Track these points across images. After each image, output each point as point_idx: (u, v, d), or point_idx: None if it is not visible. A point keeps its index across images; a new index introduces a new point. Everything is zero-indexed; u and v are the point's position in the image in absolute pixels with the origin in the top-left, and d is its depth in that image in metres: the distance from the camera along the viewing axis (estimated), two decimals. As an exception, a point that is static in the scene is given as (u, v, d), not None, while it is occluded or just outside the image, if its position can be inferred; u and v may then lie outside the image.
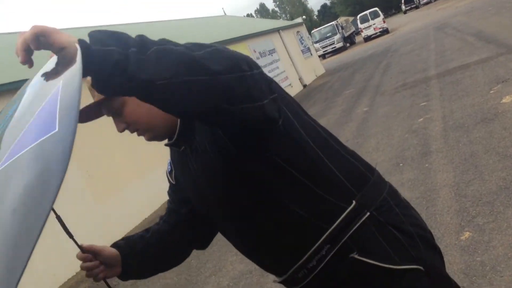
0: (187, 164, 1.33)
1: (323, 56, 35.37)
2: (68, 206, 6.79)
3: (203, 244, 1.57)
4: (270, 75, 15.46)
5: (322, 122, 9.43)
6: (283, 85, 16.21)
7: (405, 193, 4.30)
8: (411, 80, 10.06)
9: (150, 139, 1.30)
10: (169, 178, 1.51)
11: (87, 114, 1.25)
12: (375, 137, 6.79)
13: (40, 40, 0.94)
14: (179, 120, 1.27)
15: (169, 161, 1.51)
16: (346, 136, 7.47)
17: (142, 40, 0.98)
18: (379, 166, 5.37)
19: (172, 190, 1.53)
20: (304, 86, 18.48)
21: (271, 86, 1.12)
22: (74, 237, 1.27)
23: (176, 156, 1.42)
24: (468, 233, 3.29)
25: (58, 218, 1.23)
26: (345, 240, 1.19)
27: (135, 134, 1.29)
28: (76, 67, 0.88)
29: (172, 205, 1.55)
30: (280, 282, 1.34)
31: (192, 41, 1.06)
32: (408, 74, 10.96)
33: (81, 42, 0.93)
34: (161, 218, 1.57)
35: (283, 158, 1.18)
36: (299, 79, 18.55)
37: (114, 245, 1.45)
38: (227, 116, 1.04)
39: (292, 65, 18.47)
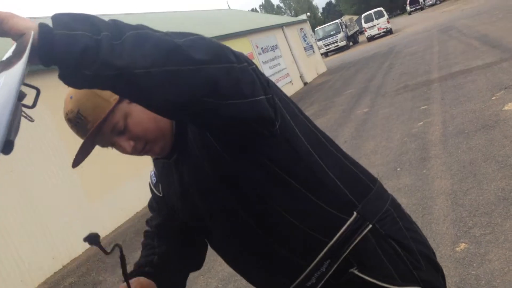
0: (177, 174, 1.23)
1: (325, 54, 35.25)
2: (63, 203, 6.69)
3: (198, 262, 1.47)
4: (271, 71, 15.56)
5: (321, 121, 9.36)
6: (283, 81, 16.10)
7: (401, 199, 4.19)
8: (413, 82, 9.93)
9: (160, 150, 1.19)
10: (155, 190, 1.41)
11: (82, 154, 1.14)
12: (373, 139, 6.67)
13: None
14: (174, 124, 1.18)
15: (152, 173, 1.42)
16: (345, 137, 7.36)
17: (116, 24, 0.86)
18: (376, 169, 5.30)
19: (158, 203, 1.43)
20: (305, 83, 18.35)
21: (266, 84, 1.02)
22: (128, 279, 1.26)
23: (162, 167, 1.32)
24: (463, 244, 3.18)
25: (121, 257, 1.23)
26: (346, 255, 1.12)
27: None
28: (21, 61, 0.75)
29: (161, 220, 1.44)
30: None
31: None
32: (411, 76, 10.83)
33: (41, 26, 0.81)
34: (148, 236, 1.46)
35: (279, 166, 1.09)
36: (300, 76, 18.42)
37: (143, 273, 1.36)
38: (212, 113, 0.93)
39: (293, 62, 18.33)
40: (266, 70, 15.19)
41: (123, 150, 1.15)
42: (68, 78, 0.84)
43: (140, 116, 1.12)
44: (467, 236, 3.25)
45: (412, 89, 9.23)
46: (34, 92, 0.88)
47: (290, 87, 16.59)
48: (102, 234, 7.05)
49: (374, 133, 7.05)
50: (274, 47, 17.16)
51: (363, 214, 1.14)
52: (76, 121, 1.10)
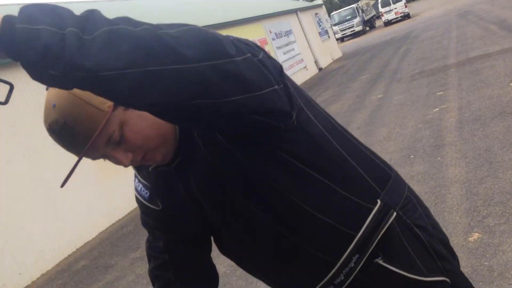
0: (181, 182, 1.12)
1: (341, 39, 34.87)
2: (76, 186, 6.73)
3: (215, 277, 1.37)
4: (285, 56, 15.42)
5: (335, 107, 9.26)
6: (297, 67, 15.97)
7: (414, 187, 4.10)
8: (429, 67, 9.75)
9: (162, 158, 1.06)
10: (150, 205, 1.23)
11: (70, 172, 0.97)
12: (387, 126, 6.57)
13: None
14: (177, 127, 1.06)
15: (139, 187, 1.25)
16: (358, 123, 7.27)
17: (88, 18, 0.75)
18: (389, 156, 5.22)
19: (156, 219, 1.26)
20: (320, 69, 18.18)
21: (279, 72, 0.95)
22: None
23: (155, 177, 1.18)
24: (477, 234, 3.11)
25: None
26: (373, 247, 1.07)
27: None
28: None
29: (167, 237, 1.29)
30: None
31: (199, 21, 0.89)
32: (427, 62, 10.64)
33: (4, 19, 0.72)
34: (156, 271, 1.32)
35: (300, 159, 1.02)
36: (315, 62, 18.24)
37: None
38: (214, 113, 0.84)
39: (308, 48, 18.14)
40: (280, 56, 15.05)
41: (118, 163, 1.01)
42: (36, 78, 0.75)
43: (138, 123, 0.98)
44: (480, 226, 3.18)
45: (428, 74, 9.06)
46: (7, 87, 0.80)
47: (304, 73, 16.44)
48: (115, 217, 7.09)
49: (388, 119, 6.94)
50: (288, 32, 16.98)
51: (387, 201, 1.09)
52: (62, 133, 0.94)
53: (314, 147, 1.04)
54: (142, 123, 0.98)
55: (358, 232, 1.05)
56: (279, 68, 0.97)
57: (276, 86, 0.91)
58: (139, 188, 1.24)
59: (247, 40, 0.96)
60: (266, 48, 14.08)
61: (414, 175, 4.45)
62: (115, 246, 5.98)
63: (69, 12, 0.76)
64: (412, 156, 5.02)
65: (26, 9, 0.74)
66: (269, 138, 1.00)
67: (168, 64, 0.75)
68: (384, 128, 6.55)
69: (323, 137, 1.06)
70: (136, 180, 1.25)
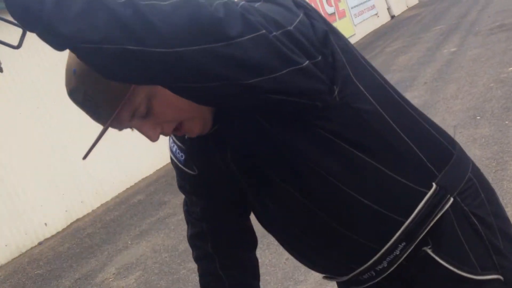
0: (217, 148, 1.04)
1: (419, -15, 32.81)
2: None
3: (254, 237, 1.30)
4: (355, 2, 14.76)
5: (403, 60, 8.83)
6: (368, 14, 15.27)
7: (475, 151, 3.89)
8: (511, 21, 9.00)
9: (200, 130, 0.97)
10: (185, 169, 1.15)
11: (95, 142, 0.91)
12: (456, 82, 6.19)
13: None
14: None
15: (174, 148, 1.17)
16: (425, 78, 6.90)
17: None
18: (453, 116, 4.95)
19: (191, 183, 1.19)
20: (392, 17, 17.28)
21: (318, 41, 0.84)
22: None
23: (191, 140, 1.10)
24: (536, 207, 2.91)
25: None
26: (423, 235, 0.96)
27: None
28: None
29: (204, 203, 1.22)
30: (330, 279, 1.13)
31: None
32: (510, 14, 9.81)
33: None
34: (196, 240, 1.27)
35: (343, 138, 0.92)
36: (388, 9, 17.33)
37: None
38: (225, 98, 0.78)
39: (382, -7, 17.22)
40: (350, 1, 14.40)
41: (147, 137, 0.93)
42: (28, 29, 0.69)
43: (168, 95, 0.86)
44: (542, 199, 2.98)
45: (508, 28, 8.37)
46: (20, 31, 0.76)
47: (375, 20, 15.71)
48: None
49: (458, 75, 6.53)
50: (362, -24, 16.14)
51: (444, 185, 0.96)
52: (83, 102, 0.88)
53: (361, 125, 0.93)
54: (173, 97, 0.87)
55: (407, 219, 0.95)
56: (321, 36, 0.86)
57: (304, 64, 0.81)
58: (174, 149, 1.17)
59: (282, 2, 0.85)
60: (337, -8, 13.52)
61: (477, 138, 4.19)
62: (170, 185, 6.18)
63: None
64: (478, 117, 4.72)
65: None
66: (306, 116, 0.90)
67: (149, 46, 0.67)
68: (452, 84, 6.18)
69: (373, 112, 0.94)
70: (171, 140, 1.18)
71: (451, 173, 0.99)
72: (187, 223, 1.30)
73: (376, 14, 16.05)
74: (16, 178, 5.35)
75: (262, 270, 1.41)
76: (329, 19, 12.74)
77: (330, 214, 0.97)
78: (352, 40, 13.55)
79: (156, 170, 7.03)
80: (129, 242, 4.82)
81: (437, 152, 1.00)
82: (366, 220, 0.96)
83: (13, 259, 5.15)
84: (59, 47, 0.69)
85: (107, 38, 0.66)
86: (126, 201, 6.14)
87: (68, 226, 5.78)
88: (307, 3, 0.93)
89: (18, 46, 0.79)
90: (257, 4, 0.84)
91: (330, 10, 13.08)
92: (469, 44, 8.31)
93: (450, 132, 1.10)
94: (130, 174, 6.69)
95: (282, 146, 0.93)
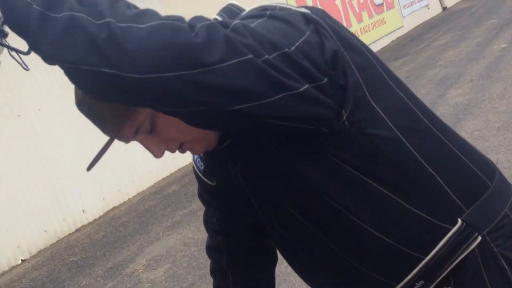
0: (231, 163, 1.00)
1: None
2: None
3: (274, 254, 1.25)
4: (405, -8, 14.23)
5: (450, 54, 8.49)
6: (418, 5, 14.77)
7: (516, 157, 3.70)
8: None
9: (203, 149, 0.95)
10: (204, 178, 1.13)
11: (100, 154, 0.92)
12: (504, 81, 5.90)
13: None
14: None
15: (195, 157, 1.14)
16: (472, 75, 6.61)
17: None
18: (497, 117, 4.72)
19: (210, 194, 1.17)
20: (444, 8, 16.65)
21: (327, 61, 0.79)
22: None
23: (210, 152, 1.05)
24: None
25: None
26: (445, 275, 0.89)
27: None
28: None
29: (221, 215, 1.20)
30: None
31: None
32: None
33: None
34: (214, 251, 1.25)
35: (353, 165, 0.85)
36: (440, 0, 16.72)
37: None
38: (216, 120, 0.77)
39: (433, -17, 16.61)
40: (400, -9, 13.98)
41: (151, 153, 0.93)
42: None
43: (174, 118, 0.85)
44: None
45: None
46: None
47: (425, 12, 15.18)
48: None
49: (507, 74, 6.21)
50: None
51: (472, 221, 0.87)
52: (89, 115, 0.90)
53: (375, 153, 0.85)
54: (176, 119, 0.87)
55: (427, 256, 0.87)
56: (329, 56, 0.80)
57: (301, 88, 0.76)
58: (195, 158, 1.15)
59: (289, 18, 0.80)
60: (385, -17, 13.14)
61: (520, 144, 3.99)
62: (205, 176, 6.22)
63: None
64: (524, 120, 4.49)
65: None
66: (313, 142, 0.84)
67: (123, 71, 0.67)
68: (500, 83, 5.89)
69: (391, 140, 0.86)
70: None
71: (483, 209, 0.89)
72: (207, 232, 1.28)
73: (427, 5, 15.51)
74: (56, 165, 5.53)
75: (278, 280, 1.37)
76: (376, 10, 12.42)
77: (342, 247, 0.91)
78: (400, 33, 13.16)
79: (169, 174, 7.02)
80: (161, 234, 4.89)
81: (469, 186, 0.90)
82: (380, 255, 0.89)
83: (51, 245, 5.34)
84: (46, 62, 0.71)
85: (84, 59, 0.67)
86: (161, 191, 6.23)
87: (105, 214, 5.93)
88: (323, 16, 0.87)
89: (28, 52, 0.82)
90: (257, 22, 0.80)
91: (378, 0, 12.73)
92: (522, 40, 7.91)
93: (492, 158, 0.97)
94: (166, 164, 6.77)
95: (289, 171, 0.88)
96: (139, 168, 6.42)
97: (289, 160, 0.87)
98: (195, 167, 1.16)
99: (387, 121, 0.86)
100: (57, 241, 5.39)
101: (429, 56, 9.05)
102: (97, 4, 0.69)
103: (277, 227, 1.00)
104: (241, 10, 0.94)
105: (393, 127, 0.86)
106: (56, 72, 5.77)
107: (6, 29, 0.82)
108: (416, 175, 0.87)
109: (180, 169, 6.94)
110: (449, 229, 0.87)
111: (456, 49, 8.90)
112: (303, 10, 0.84)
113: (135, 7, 0.75)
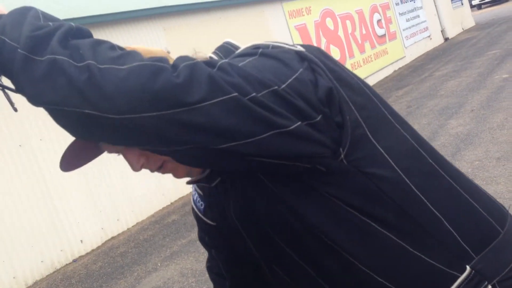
0: (226, 202, 0.98)
1: (478, 6, 31.85)
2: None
3: None
4: (408, 24, 14.47)
5: (451, 85, 8.52)
6: (420, 36, 14.92)
7: (517, 188, 3.65)
8: None
9: (186, 174, 0.94)
10: (204, 219, 1.10)
11: (81, 155, 0.93)
12: (504, 112, 5.89)
13: None
14: None
15: (195, 196, 1.12)
16: (472, 105, 6.61)
17: (41, 36, 0.71)
18: (497, 147, 4.69)
19: (211, 236, 1.14)
20: (446, 39, 16.81)
21: (320, 99, 0.78)
22: None
23: (208, 189, 1.05)
24: None
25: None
26: None
27: None
28: None
29: (226, 255, 1.15)
30: None
31: None
32: None
33: None
34: None
35: (353, 206, 0.82)
36: (442, 31, 16.88)
37: None
38: (205, 158, 0.76)
39: (436, 15, 16.80)
40: (402, 23, 14.13)
41: (129, 164, 0.92)
42: None
43: None
44: None
45: None
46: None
47: (427, 43, 15.33)
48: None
49: (508, 104, 6.21)
50: (415, -2, 15.85)
51: (481, 269, 0.84)
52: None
53: (375, 194, 0.82)
54: None
55: None
56: (322, 94, 0.78)
57: (291, 126, 0.74)
58: (195, 198, 1.14)
59: (281, 55, 0.80)
60: (387, 14, 13.32)
61: (521, 174, 3.94)
62: (205, 206, 6.18)
63: (32, 22, 0.73)
64: (524, 150, 4.46)
65: (9, 14, 0.74)
66: (310, 181, 0.82)
67: (103, 111, 0.68)
68: (500, 113, 5.88)
69: (393, 180, 0.83)
70: (193, 188, 1.15)
71: (493, 256, 0.85)
72: (212, 280, 1.24)
73: (429, 36, 15.67)
74: (56, 195, 5.51)
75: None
76: (378, 41, 12.53)
77: None
78: (402, 63, 13.26)
79: (169, 204, 6.99)
80: (159, 264, 4.83)
81: (478, 231, 0.87)
82: None
83: (47, 276, 5.27)
84: (30, 103, 0.73)
85: (65, 101, 0.69)
86: (160, 221, 6.19)
87: (103, 244, 5.88)
88: (318, 54, 0.86)
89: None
90: (247, 60, 0.80)
91: (380, 32, 12.87)
92: (523, 71, 7.93)
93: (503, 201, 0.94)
94: (167, 193, 6.75)
95: (285, 209, 0.85)
96: (139, 197, 6.40)
97: (286, 197, 0.84)
98: (195, 208, 1.13)
99: (390, 161, 0.83)
100: (54, 272, 5.33)
101: (431, 86, 9.08)
102: (79, 46, 0.71)
103: (276, 269, 0.96)
104: (237, 48, 0.93)
105: (396, 168, 0.83)
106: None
107: None
108: (421, 218, 0.84)
109: (180, 198, 6.91)
110: (457, 277, 0.83)
111: (457, 79, 8.94)
112: (298, 48, 0.84)
113: (121, 48, 0.75)
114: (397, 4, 14.49)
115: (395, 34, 13.56)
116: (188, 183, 1.01)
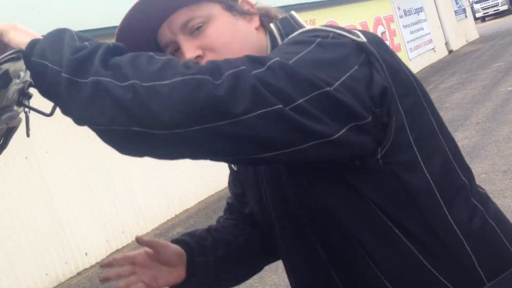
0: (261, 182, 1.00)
1: (482, 19, 31.88)
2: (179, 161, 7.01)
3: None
4: (412, 36, 14.52)
5: (457, 97, 8.51)
6: (425, 48, 14.95)
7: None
8: None
9: None
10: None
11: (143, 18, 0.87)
12: (510, 124, 5.88)
13: None
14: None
15: None
16: (478, 118, 6.60)
17: (85, 57, 0.72)
18: (503, 160, 4.66)
19: (232, 180, 1.20)
20: (450, 51, 16.83)
21: (376, 100, 0.77)
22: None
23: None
24: None
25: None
26: None
27: None
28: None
29: (232, 201, 1.21)
30: None
31: None
32: None
33: (27, 47, 0.76)
34: (219, 219, 1.24)
35: (382, 208, 0.83)
36: (446, 43, 16.91)
37: (176, 241, 1.11)
38: (254, 160, 0.81)
39: (440, 27, 16.84)
40: (406, 35, 14.16)
41: (181, 56, 0.89)
42: None
43: (226, 27, 0.89)
44: None
45: None
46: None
47: (431, 55, 15.35)
48: (215, 187, 7.31)
49: (513, 117, 6.21)
50: (419, 10, 15.87)
51: None
52: None
53: (404, 200, 0.82)
54: (229, 29, 0.90)
55: None
56: (377, 93, 0.77)
57: (334, 136, 0.74)
58: None
59: (340, 46, 0.78)
60: (392, 27, 13.36)
61: (528, 187, 3.92)
62: (210, 218, 6.16)
63: (70, 44, 0.74)
64: (531, 163, 4.44)
65: (46, 37, 0.76)
66: (343, 173, 0.83)
67: (150, 128, 0.69)
68: (506, 126, 5.87)
69: (424, 191, 0.82)
70: None
71: (506, 285, 0.84)
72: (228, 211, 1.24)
73: (433, 48, 15.69)
74: (60, 207, 5.51)
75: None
76: (382, 53, 12.53)
77: (347, 279, 0.89)
78: (406, 75, 13.24)
79: (198, 202, 7.04)
80: (163, 277, 4.81)
81: (494, 257, 0.86)
82: None
83: (51, 288, 5.26)
84: (76, 124, 0.76)
85: (112, 121, 0.70)
86: (165, 233, 6.17)
87: (108, 257, 5.86)
88: (378, 46, 0.83)
89: (50, 114, 0.87)
90: (303, 53, 0.76)
91: (384, 44, 12.88)
92: (528, 83, 7.92)
93: None
94: (171, 205, 6.74)
95: (318, 200, 0.87)
96: (144, 210, 6.39)
97: (320, 189, 0.86)
98: None
99: (425, 172, 0.83)
100: (58, 285, 5.30)
101: (436, 99, 9.07)
102: (121, 65, 0.71)
103: (287, 241, 0.98)
104: (299, 24, 0.95)
105: (430, 180, 0.83)
106: (61, 118, 5.90)
107: (30, 91, 0.86)
108: (441, 233, 0.83)
109: (185, 211, 6.89)
110: None
111: (462, 92, 8.93)
112: (360, 38, 0.81)
113: (157, 56, 0.75)
114: (401, 16, 14.53)
115: (399, 46, 13.59)
116: None
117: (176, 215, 6.80)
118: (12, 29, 0.79)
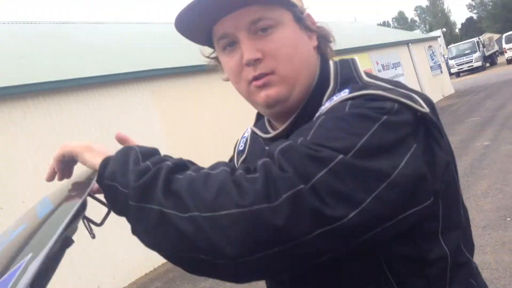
0: None
1: (457, 74, 33.02)
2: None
3: None
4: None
5: (435, 150, 8.64)
6: (403, 102, 15.26)
7: (504, 256, 3.64)
8: (548, 115, 8.81)
9: (278, 95, 0.88)
10: (235, 157, 1.16)
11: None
12: (488, 179, 5.98)
13: (66, 160, 0.87)
14: (312, 89, 0.91)
15: (243, 137, 1.16)
16: (456, 172, 6.70)
17: (151, 184, 0.74)
18: (482, 215, 4.71)
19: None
20: (428, 105, 17.28)
21: (428, 178, 0.74)
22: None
23: (255, 139, 1.08)
24: None
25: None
26: None
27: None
28: (80, 200, 0.79)
29: None
30: None
31: None
32: (547, 108, 9.64)
33: (99, 169, 0.80)
34: None
35: (391, 269, 0.81)
36: (423, 97, 17.38)
37: None
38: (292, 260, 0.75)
39: (416, 82, 17.37)
40: (385, 89, 14.54)
41: (239, 55, 0.87)
42: None
43: (290, 37, 0.87)
44: None
45: (545, 124, 8.18)
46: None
47: (409, 108, 15.72)
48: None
49: (490, 171, 6.33)
50: (396, 65, 16.42)
51: None
52: None
53: (419, 278, 0.81)
54: (295, 41, 0.88)
55: None
56: (441, 168, 0.77)
57: (392, 221, 0.72)
58: (243, 136, 1.17)
59: (396, 129, 0.73)
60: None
61: (507, 242, 3.95)
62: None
63: (133, 170, 0.76)
64: (508, 218, 4.49)
65: (115, 158, 0.79)
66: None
67: (215, 258, 0.71)
68: (484, 181, 5.97)
69: (439, 263, 0.82)
70: (249, 129, 1.15)
71: None
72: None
73: (410, 102, 16.08)
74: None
75: None
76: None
77: None
78: (385, 128, 13.48)
79: (152, 270, 6.81)
80: (139, 335, 4.63)
81: None
82: None
83: None
84: (145, 246, 0.79)
85: (178, 248, 0.73)
86: (142, 288, 5.99)
87: (82, 312, 5.64)
88: (433, 109, 0.80)
89: (101, 224, 0.91)
90: (367, 135, 0.72)
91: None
92: (504, 139, 8.13)
93: None
94: (150, 258, 6.58)
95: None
96: (121, 263, 6.22)
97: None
98: (236, 143, 1.19)
99: (448, 257, 0.83)
100: None
101: (414, 152, 9.21)
102: (180, 193, 0.72)
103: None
104: (358, 74, 0.90)
105: (448, 253, 0.82)
106: (40, 168, 5.74)
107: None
108: None
109: (163, 264, 6.73)
110: None
111: (440, 146, 9.10)
112: (424, 109, 0.77)
113: (212, 172, 0.75)
114: (379, 70, 14.99)
115: (378, 100, 13.90)
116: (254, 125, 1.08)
117: (154, 269, 6.63)
118: (86, 151, 0.83)
